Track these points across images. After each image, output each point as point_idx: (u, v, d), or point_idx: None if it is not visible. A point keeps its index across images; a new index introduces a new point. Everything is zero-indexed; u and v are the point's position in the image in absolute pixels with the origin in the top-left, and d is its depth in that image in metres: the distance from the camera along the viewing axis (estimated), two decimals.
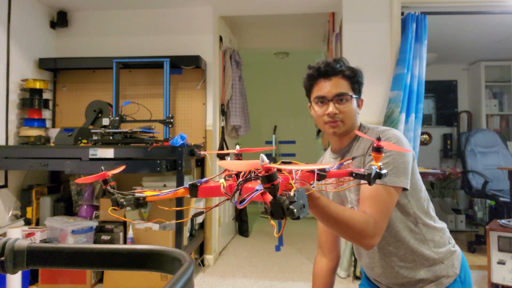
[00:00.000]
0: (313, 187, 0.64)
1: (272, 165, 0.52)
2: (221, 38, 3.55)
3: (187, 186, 0.68)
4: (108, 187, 0.66)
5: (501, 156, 4.07)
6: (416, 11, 2.88)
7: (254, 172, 0.70)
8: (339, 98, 1.16)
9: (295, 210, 0.51)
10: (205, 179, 0.69)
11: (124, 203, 0.64)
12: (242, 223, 4.23)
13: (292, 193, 0.54)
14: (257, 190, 0.56)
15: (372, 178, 0.72)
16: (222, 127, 3.55)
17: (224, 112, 3.56)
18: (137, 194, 0.66)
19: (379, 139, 0.71)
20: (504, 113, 4.95)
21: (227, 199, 0.65)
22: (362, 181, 0.74)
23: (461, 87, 5.15)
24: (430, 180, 4.45)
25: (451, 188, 4.49)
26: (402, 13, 2.95)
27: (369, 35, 2.98)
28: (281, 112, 5.97)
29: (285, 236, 4.23)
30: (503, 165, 3.86)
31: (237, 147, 0.86)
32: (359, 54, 2.98)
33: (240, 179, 0.64)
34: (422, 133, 4.92)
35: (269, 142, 5.88)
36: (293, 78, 5.83)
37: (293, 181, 0.61)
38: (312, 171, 0.73)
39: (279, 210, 0.52)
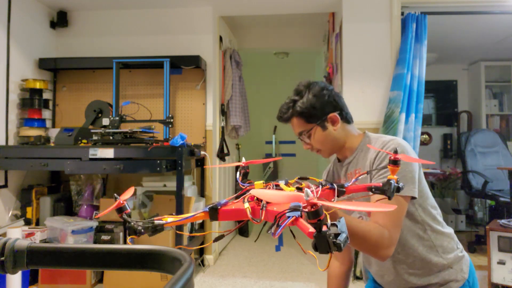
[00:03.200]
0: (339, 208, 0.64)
1: (318, 201, 0.50)
2: (221, 38, 3.55)
3: (207, 209, 0.66)
4: (124, 216, 0.64)
5: (501, 156, 4.07)
6: (416, 11, 2.88)
7: (276, 185, 0.68)
8: (301, 138, 1.25)
9: (342, 244, 0.49)
10: (224, 200, 0.68)
11: (142, 230, 0.63)
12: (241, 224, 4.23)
13: (331, 224, 0.51)
14: (288, 217, 0.54)
15: (391, 192, 0.71)
16: (222, 127, 3.55)
17: (224, 112, 3.56)
18: (156, 222, 0.64)
19: (396, 152, 0.71)
20: (504, 113, 4.95)
21: (243, 223, 0.64)
22: (380, 196, 0.73)
23: (461, 87, 5.15)
24: (430, 180, 4.45)
25: (451, 188, 4.49)
26: (402, 13, 2.95)
27: (369, 35, 2.98)
28: None
29: (285, 236, 4.23)
30: (503, 165, 3.86)
31: (243, 159, 0.84)
32: (359, 54, 2.98)
33: (264, 202, 0.62)
34: (422, 133, 4.91)
35: (269, 142, 5.88)
36: (293, 78, 5.83)
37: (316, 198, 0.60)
38: (333, 188, 0.72)
39: (325, 245, 0.50)
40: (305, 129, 1.21)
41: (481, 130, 4.33)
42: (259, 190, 0.62)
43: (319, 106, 1.19)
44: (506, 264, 2.47)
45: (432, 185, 4.53)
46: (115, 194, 0.66)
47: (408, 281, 1.22)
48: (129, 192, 0.68)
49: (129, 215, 0.64)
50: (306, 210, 0.50)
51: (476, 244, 3.54)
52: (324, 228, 0.50)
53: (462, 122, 5.05)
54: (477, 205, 4.48)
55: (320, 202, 0.50)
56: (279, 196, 0.56)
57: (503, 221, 2.56)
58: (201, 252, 3.22)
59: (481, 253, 3.41)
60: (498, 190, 3.62)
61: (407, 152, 1.14)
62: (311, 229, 0.51)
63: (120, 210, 0.64)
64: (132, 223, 0.63)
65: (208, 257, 3.20)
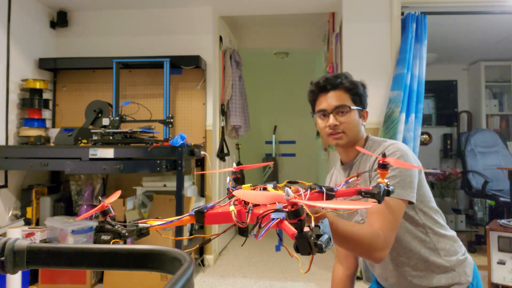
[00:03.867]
0: (322, 208, 0.63)
1: (298, 200, 0.49)
2: (221, 38, 3.55)
3: (193, 213, 0.65)
4: (108, 219, 0.62)
5: (501, 156, 4.07)
6: (416, 11, 2.88)
7: (264, 189, 0.67)
8: (339, 110, 1.19)
9: (323, 245, 0.48)
10: (211, 204, 0.67)
11: (126, 234, 0.61)
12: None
13: (314, 225, 0.50)
14: (273, 219, 0.53)
15: (381, 196, 0.71)
16: (222, 127, 3.55)
17: (224, 112, 3.56)
18: (140, 225, 0.63)
19: (384, 155, 0.70)
20: (504, 113, 4.95)
21: (234, 225, 0.63)
22: (372, 200, 0.73)
23: (461, 87, 5.14)
24: (430, 180, 4.45)
25: (451, 188, 4.48)
26: (402, 13, 2.95)
27: (369, 35, 2.98)
28: (281, 112, 5.97)
29: (285, 236, 4.23)
30: (503, 165, 3.86)
31: (234, 164, 0.83)
32: (359, 54, 2.98)
33: (250, 205, 0.61)
34: (422, 133, 4.91)
35: (269, 142, 5.88)
36: (293, 78, 5.83)
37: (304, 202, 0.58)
38: (321, 192, 0.71)
39: (306, 246, 0.49)
40: (347, 105, 1.19)
41: (481, 130, 4.33)
42: (240, 190, 0.61)
43: (364, 96, 1.26)
44: (506, 264, 2.47)
45: (432, 185, 4.53)
46: (100, 197, 0.65)
47: (411, 284, 1.22)
48: (115, 195, 0.66)
49: (113, 218, 0.63)
50: (287, 210, 0.49)
51: (476, 244, 3.54)
52: (307, 229, 0.49)
53: (462, 122, 5.05)
54: (477, 205, 4.48)
55: (300, 202, 0.49)
56: (259, 196, 0.56)
57: (503, 221, 2.56)
58: (201, 252, 3.22)
59: (481, 253, 3.41)
60: (498, 190, 3.62)
61: (407, 156, 1.14)
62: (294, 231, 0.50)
63: (104, 213, 0.62)
64: (116, 227, 0.61)
65: (208, 257, 3.20)
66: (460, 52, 4.66)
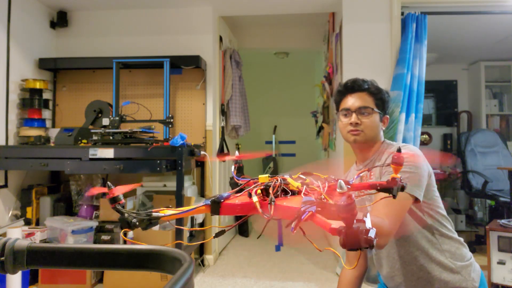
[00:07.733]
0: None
1: (351, 192, 0.47)
2: (221, 38, 3.55)
3: (208, 202, 0.62)
4: (118, 206, 0.59)
5: (501, 156, 4.07)
6: (416, 11, 2.88)
7: (283, 180, 0.64)
8: (362, 110, 1.27)
9: (374, 240, 0.46)
10: (226, 193, 0.63)
11: (137, 223, 0.58)
12: (242, 223, 4.23)
13: (357, 220, 0.48)
14: (307, 211, 0.51)
15: (396, 190, 0.71)
16: (222, 127, 3.55)
17: (224, 112, 3.56)
18: (154, 214, 0.59)
19: (399, 150, 0.71)
20: (504, 113, 4.94)
21: (245, 219, 0.60)
22: (386, 194, 0.72)
23: (461, 87, 5.14)
24: None
25: (451, 188, 4.48)
26: (402, 13, 2.95)
27: (369, 35, 2.98)
28: (281, 112, 5.97)
29: (284, 236, 4.23)
30: (503, 165, 3.86)
31: (236, 153, 0.82)
32: (359, 54, 2.97)
33: (271, 196, 0.58)
34: (422, 133, 4.91)
35: (269, 142, 5.88)
36: (293, 78, 5.83)
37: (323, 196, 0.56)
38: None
39: (357, 241, 0.47)
40: (371, 107, 1.27)
41: (481, 130, 4.33)
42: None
43: (387, 103, 1.33)
44: (506, 264, 2.47)
45: None
46: (108, 182, 0.61)
47: (418, 282, 1.24)
48: (128, 187, 0.62)
49: (122, 206, 0.59)
50: (342, 203, 0.47)
51: (476, 244, 3.54)
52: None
53: (462, 122, 5.05)
54: (477, 205, 4.48)
55: (353, 194, 0.48)
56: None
57: (503, 221, 2.56)
58: (201, 252, 3.22)
59: (481, 253, 3.41)
60: (498, 190, 3.61)
61: (418, 158, 1.19)
62: (334, 225, 0.49)
63: (114, 200, 0.58)
64: (126, 215, 0.58)
65: (208, 257, 3.20)
66: (460, 52, 4.65)
